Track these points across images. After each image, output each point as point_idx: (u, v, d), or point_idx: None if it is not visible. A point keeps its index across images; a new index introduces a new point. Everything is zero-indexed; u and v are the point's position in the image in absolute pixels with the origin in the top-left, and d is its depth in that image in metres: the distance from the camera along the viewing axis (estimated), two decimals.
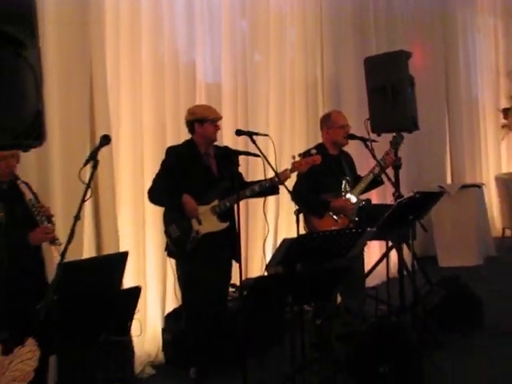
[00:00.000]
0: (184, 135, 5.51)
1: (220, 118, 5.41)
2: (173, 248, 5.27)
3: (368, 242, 5.27)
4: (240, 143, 5.82)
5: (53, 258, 4.16)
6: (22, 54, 2.80)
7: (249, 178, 6.22)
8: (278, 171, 5.01)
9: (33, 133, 2.90)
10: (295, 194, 5.08)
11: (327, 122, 6.06)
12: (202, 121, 5.28)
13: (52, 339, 3.28)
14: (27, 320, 3.62)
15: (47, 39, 4.78)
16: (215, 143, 5.42)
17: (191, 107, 5.54)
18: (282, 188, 5.09)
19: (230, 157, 5.09)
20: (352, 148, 6.28)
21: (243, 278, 4.76)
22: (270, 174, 4.98)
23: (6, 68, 2.77)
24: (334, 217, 5.72)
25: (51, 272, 4.21)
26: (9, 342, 2.31)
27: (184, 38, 6.19)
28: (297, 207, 4.79)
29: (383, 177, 5.91)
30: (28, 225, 4.18)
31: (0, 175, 4.18)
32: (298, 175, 5.57)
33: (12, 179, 4.22)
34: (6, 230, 4.05)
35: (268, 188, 5.26)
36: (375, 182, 6.01)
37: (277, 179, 5.03)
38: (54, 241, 4.15)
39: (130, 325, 3.80)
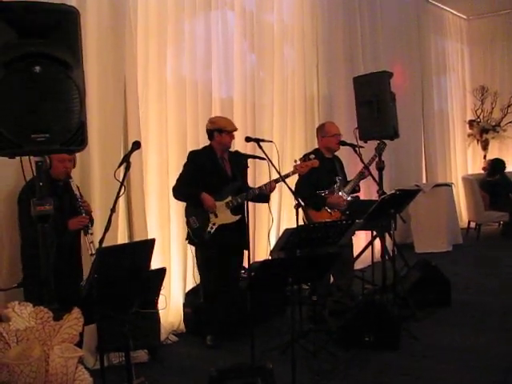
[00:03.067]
0: (202, 140, 5.50)
1: (236, 129, 5.37)
2: (193, 237, 5.26)
3: (356, 232, 5.26)
4: (249, 148, 5.81)
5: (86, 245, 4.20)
6: (69, 75, 2.82)
7: (256, 178, 6.24)
8: (281, 172, 4.99)
9: (77, 140, 2.92)
10: (297, 191, 5.09)
11: (322, 131, 6.06)
12: (221, 131, 5.26)
13: (92, 311, 3.30)
14: (72, 294, 3.64)
15: (89, 61, 4.79)
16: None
17: (213, 117, 5.52)
18: (283, 186, 5.08)
19: (241, 161, 5.07)
20: (343, 153, 6.27)
21: (251, 261, 4.76)
22: (274, 174, 4.97)
23: (58, 87, 2.80)
24: (329, 210, 5.72)
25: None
26: (58, 311, 2.32)
27: (202, 61, 6.17)
28: (296, 202, 4.79)
29: (361, 183, 5.98)
30: (73, 215, 4.26)
31: (58, 174, 4.25)
32: (299, 175, 5.56)
33: (67, 179, 4.30)
34: (54, 221, 4.06)
35: (263, 196, 5.27)
36: (354, 190, 6.02)
37: (280, 180, 5.02)
38: (86, 229, 4.22)
39: (157, 300, 3.79)
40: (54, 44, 2.83)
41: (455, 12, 12.16)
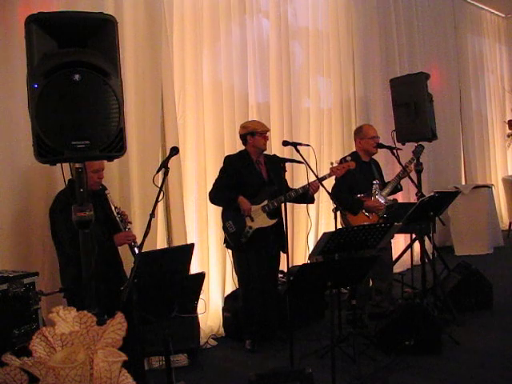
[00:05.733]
0: (239, 145, 5.51)
1: (268, 130, 5.39)
2: (230, 241, 5.27)
3: (395, 235, 5.21)
4: (286, 152, 5.80)
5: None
6: (108, 82, 2.85)
7: (294, 181, 6.22)
8: (319, 175, 4.96)
9: (116, 146, 2.95)
10: (334, 195, 5.06)
11: (359, 133, 6.02)
12: (253, 133, 5.28)
13: (133, 315, 3.32)
14: (112, 299, 3.67)
15: (127, 68, 4.85)
16: (265, 152, 5.42)
17: (243, 123, 5.53)
18: (321, 189, 5.05)
19: (278, 164, 5.07)
20: (380, 155, 6.23)
21: (290, 265, 4.75)
22: (312, 178, 4.96)
23: (97, 94, 2.83)
24: (367, 214, 5.68)
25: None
26: (100, 316, 2.34)
27: (238, 66, 6.17)
28: (335, 206, 4.77)
29: (401, 182, 5.90)
30: (106, 227, 4.26)
31: (92, 185, 4.05)
32: (336, 178, 5.52)
33: (100, 189, 4.27)
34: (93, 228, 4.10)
35: (307, 196, 5.25)
36: (396, 189, 5.97)
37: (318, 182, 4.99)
38: (133, 246, 4.21)
39: (196, 304, 3.81)
40: (93, 52, 2.87)
41: (492, 10, 11.94)
